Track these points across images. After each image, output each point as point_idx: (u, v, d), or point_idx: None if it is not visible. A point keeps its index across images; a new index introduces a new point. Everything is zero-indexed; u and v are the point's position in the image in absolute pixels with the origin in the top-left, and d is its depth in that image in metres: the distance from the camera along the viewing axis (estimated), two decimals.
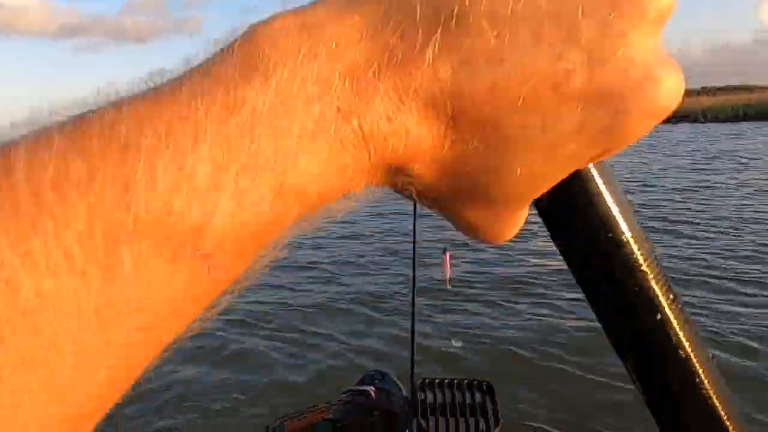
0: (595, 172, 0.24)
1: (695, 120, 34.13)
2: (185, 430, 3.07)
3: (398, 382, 1.31)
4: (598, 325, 0.30)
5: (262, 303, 4.94)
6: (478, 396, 0.97)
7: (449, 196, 0.23)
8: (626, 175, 10.91)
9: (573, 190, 0.24)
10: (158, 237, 0.17)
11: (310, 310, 4.92)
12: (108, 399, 0.19)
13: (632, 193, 8.75)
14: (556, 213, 0.25)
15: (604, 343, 0.54)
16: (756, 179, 9.58)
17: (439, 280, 4.10)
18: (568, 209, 0.25)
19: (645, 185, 9.83)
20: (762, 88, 63.99)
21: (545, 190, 0.23)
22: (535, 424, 2.56)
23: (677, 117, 37.14)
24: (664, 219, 7.00)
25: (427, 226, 6.94)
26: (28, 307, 0.16)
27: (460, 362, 3.54)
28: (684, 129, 27.20)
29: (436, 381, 1.02)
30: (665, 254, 5.44)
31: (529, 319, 4.26)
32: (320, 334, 4.32)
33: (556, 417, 2.68)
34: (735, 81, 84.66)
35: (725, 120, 31.81)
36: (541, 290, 4.95)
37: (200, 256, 0.18)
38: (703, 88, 74.57)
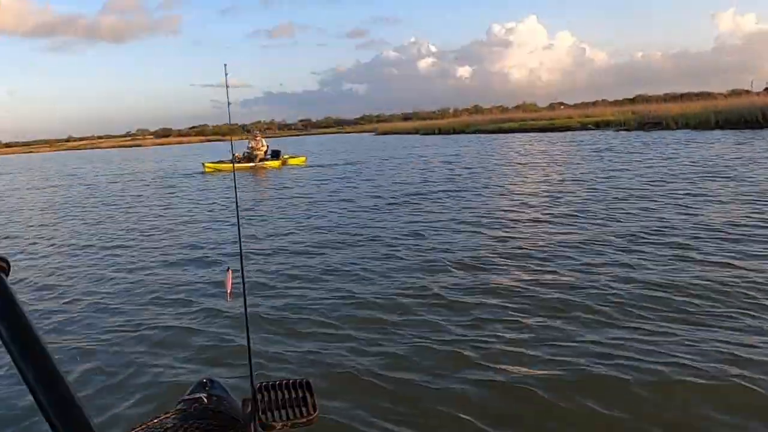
0: None
1: (667, 127, 34.94)
2: None
3: (225, 386, 1.40)
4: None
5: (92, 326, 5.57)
6: (300, 391, 1.18)
7: None
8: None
9: None
10: None
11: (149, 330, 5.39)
12: None
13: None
14: None
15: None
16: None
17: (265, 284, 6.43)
18: None
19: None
20: (720, 95, 65.88)
21: None
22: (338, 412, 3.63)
23: (650, 124, 38.05)
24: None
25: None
26: None
27: (288, 365, 4.38)
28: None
29: (270, 384, 1.21)
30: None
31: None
32: (158, 351, 4.82)
33: (358, 401, 3.78)
34: (696, 87, 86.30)
35: (696, 127, 32.46)
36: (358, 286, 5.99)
37: None
38: (665, 94, 76.38)
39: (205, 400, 1.30)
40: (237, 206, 1.91)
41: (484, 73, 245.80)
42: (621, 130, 37.68)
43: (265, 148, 26.56)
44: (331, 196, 14.65)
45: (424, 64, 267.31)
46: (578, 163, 18.41)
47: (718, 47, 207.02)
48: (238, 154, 26.02)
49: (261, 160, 26.01)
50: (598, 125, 42.61)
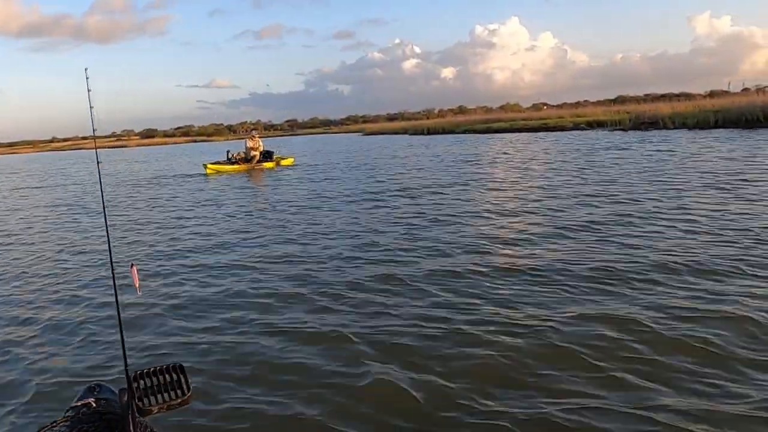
0: None
1: (664, 126, 33.55)
2: None
3: (113, 387, 1.38)
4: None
5: None
6: (174, 375, 1.22)
7: None
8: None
9: None
10: None
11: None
12: None
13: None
14: None
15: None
16: None
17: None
18: None
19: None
20: (700, 96, 65.34)
21: None
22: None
23: (646, 123, 36.63)
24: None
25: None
26: None
27: (163, 353, 4.33)
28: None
29: (145, 371, 1.22)
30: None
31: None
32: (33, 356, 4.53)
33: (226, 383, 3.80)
34: (675, 89, 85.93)
35: (694, 127, 31.07)
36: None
37: None
38: (646, 95, 75.68)
39: (94, 404, 1.30)
40: (102, 196, 1.93)
41: (467, 74, 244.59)
42: (616, 130, 36.17)
43: (262, 148, 24.31)
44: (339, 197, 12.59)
45: (409, 65, 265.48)
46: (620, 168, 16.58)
47: (695, 49, 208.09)
48: (237, 153, 23.73)
49: (258, 161, 23.89)
50: (591, 125, 41.08)
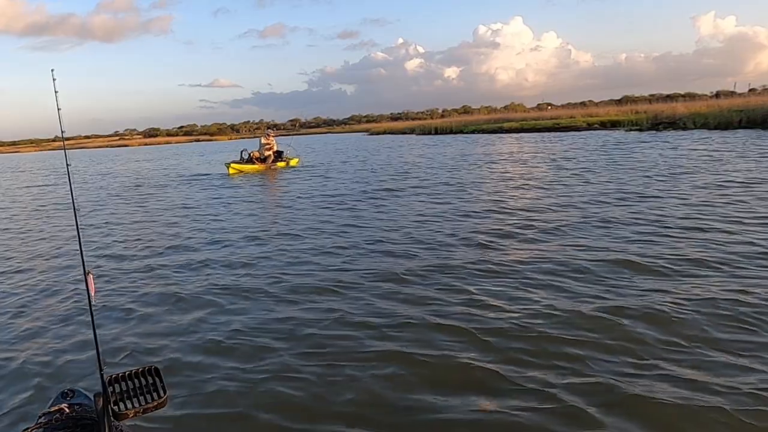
0: None
1: (684, 127, 32.04)
2: None
3: (87, 393, 1.30)
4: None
5: None
6: (150, 378, 1.15)
7: None
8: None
9: None
10: None
11: None
12: None
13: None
14: None
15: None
16: None
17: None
18: None
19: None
20: (705, 96, 63.88)
21: None
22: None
23: (664, 123, 35.04)
24: None
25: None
26: None
27: (138, 355, 4.17)
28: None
29: (120, 374, 1.16)
30: None
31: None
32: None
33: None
34: (680, 89, 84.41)
35: (716, 128, 29.57)
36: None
37: None
38: (651, 95, 74.09)
39: (67, 410, 1.25)
40: (72, 197, 1.77)
41: (470, 74, 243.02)
42: (632, 130, 34.62)
43: (276, 147, 22.75)
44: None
45: (412, 65, 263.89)
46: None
47: (699, 50, 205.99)
48: (253, 152, 22.12)
49: (273, 160, 22.37)
50: (605, 125, 39.51)
